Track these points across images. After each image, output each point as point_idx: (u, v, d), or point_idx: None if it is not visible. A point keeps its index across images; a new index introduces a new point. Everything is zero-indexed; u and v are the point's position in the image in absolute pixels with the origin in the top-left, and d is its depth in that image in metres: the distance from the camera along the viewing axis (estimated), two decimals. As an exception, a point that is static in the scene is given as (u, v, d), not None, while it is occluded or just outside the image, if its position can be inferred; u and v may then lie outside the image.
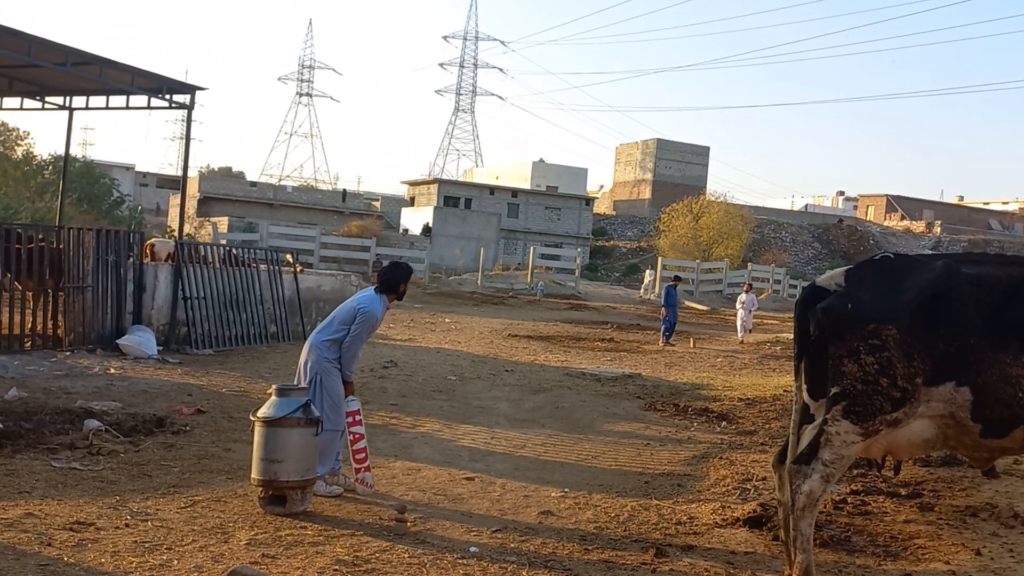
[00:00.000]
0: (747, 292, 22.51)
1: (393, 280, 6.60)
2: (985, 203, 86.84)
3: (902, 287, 4.50)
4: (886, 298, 4.48)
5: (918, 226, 73.13)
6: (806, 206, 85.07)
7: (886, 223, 76.59)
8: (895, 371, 4.38)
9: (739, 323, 22.05)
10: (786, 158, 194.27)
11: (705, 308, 34.93)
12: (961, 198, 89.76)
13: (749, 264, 46.13)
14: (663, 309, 20.39)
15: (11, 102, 15.99)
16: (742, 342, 21.19)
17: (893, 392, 4.38)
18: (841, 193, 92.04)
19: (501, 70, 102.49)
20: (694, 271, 40.52)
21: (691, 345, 19.85)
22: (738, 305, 22.48)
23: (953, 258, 4.67)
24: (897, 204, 79.49)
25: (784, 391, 12.65)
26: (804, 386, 4.80)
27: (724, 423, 10.22)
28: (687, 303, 36.15)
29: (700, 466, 7.95)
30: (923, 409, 4.46)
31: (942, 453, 7.15)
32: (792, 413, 4.99)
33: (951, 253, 5.31)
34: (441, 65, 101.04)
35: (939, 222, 73.38)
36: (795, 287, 42.81)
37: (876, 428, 4.44)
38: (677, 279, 23.37)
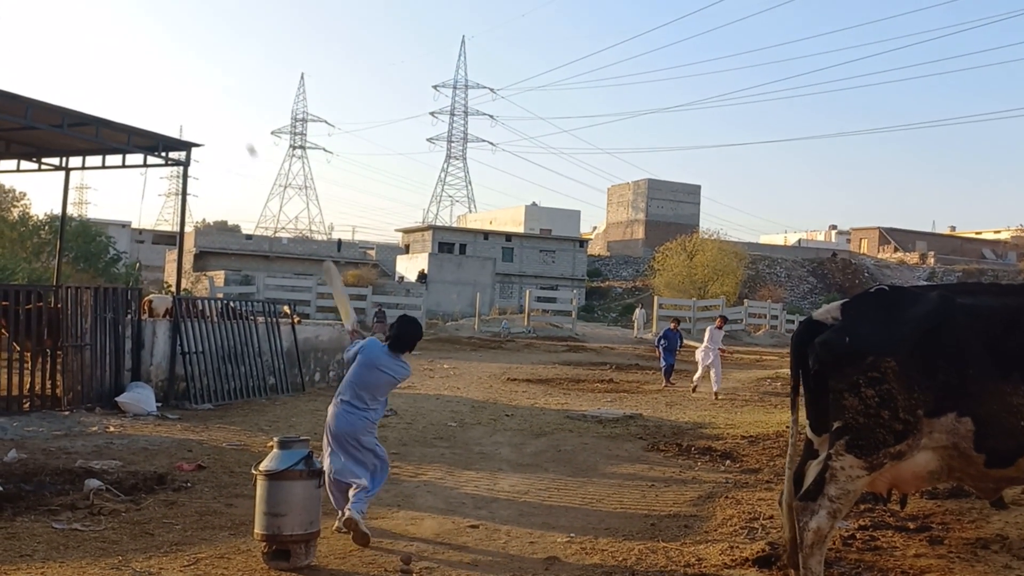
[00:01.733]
0: (718, 327, 18.56)
1: (414, 339, 6.61)
2: (977, 233, 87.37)
3: (899, 319, 4.54)
4: (884, 330, 4.51)
5: (912, 257, 73.47)
6: (799, 241, 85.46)
7: (880, 255, 76.95)
8: (896, 403, 4.39)
9: (700, 365, 18.19)
10: (777, 194, 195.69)
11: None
12: (953, 228, 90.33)
13: (745, 301, 46.22)
14: (657, 350, 19.69)
15: (7, 164, 16.12)
16: (715, 396, 17.24)
17: (895, 424, 4.39)
18: (833, 227, 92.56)
19: (491, 117, 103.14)
20: (690, 309, 40.56)
21: (691, 384, 19.76)
22: (705, 342, 18.31)
23: (948, 289, 4.72)
24: (890, 236, 79.94)
25: (787, 427, 12.58)
26: (807, 421, 4.80)
27: (728, 462, 10.16)
28: (685, 342, 36.11)
29: (706, 506, 7.89)
30: (926, 441, 4.46)
31: (949, 485, 7.11)
32: (789, 448, 4.99)
33: (946, 284, 5.36)
34: (432, 114, 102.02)
35: (932, 253, 73.76)
36: (792, 322, 42.87)
37: (880, 461, 4.43)
38: (676, 321, 21.80)
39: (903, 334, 4.48)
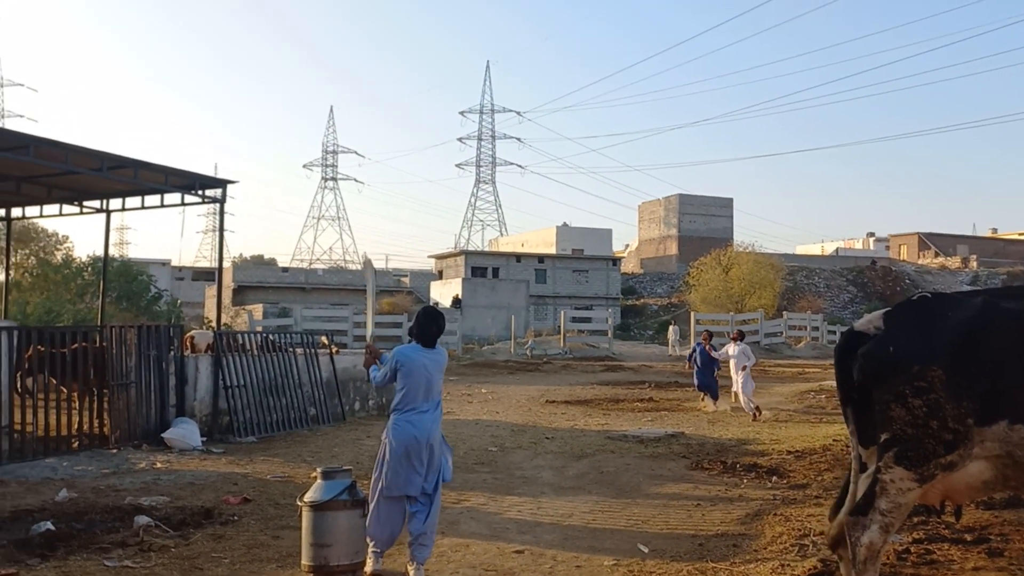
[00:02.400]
0: (736, 341, 17.63)
1: (439, 330, 6.29)
2: (1020, 234, 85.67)
3: (943, 327, 4.46)
4: (928, 339, 4.43)
5: (953, 262, 72.19)
6: (837, 250, 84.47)
7: (920, 261, 75.75)
8: (944, 413, 4.31)
9: (737, 385, 16.85)
10: (811, 203, 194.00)
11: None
12: (995, 230, 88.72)
13: (784, 313, 45.68)
14: (689, 365, 18.44)
15: (50, 209, 16.53)
16: (755, 415, 16.03)
17: (945, 434, 4.31)
18: (871, 234, 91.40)
19: (519, 140, 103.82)
20: (728, 324, 40.15)
21: (733, 399, 19.55)
22: (731, 363, 17.12)
23: (992, 293, 4.63)
24: (929, 241, 78.71)
25: (834, 440, 12.41)
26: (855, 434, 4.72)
27: (775, 478, 10.01)
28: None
29: (754, 524, 7.77)
30: (978, 450, 4.37)
31: (1006, 494, 6.94)
32: (852, 462, 4.89)
33: (989, 288, 5.26)
34: (460, 140, 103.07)
35: (975, 256, 72.43)
36: (833, 333, 42.25)
37: (931, 473, 4.34)
38: (708, 335, 19.34)
39: (948, 342, 4.39)
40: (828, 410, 17.05)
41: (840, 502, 4.83)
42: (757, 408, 16.42)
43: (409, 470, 5.92)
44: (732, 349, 17.33)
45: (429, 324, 6.21)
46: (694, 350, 18.86)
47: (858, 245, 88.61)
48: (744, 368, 16.71)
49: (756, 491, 9.30)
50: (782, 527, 7.50)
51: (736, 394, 17.02)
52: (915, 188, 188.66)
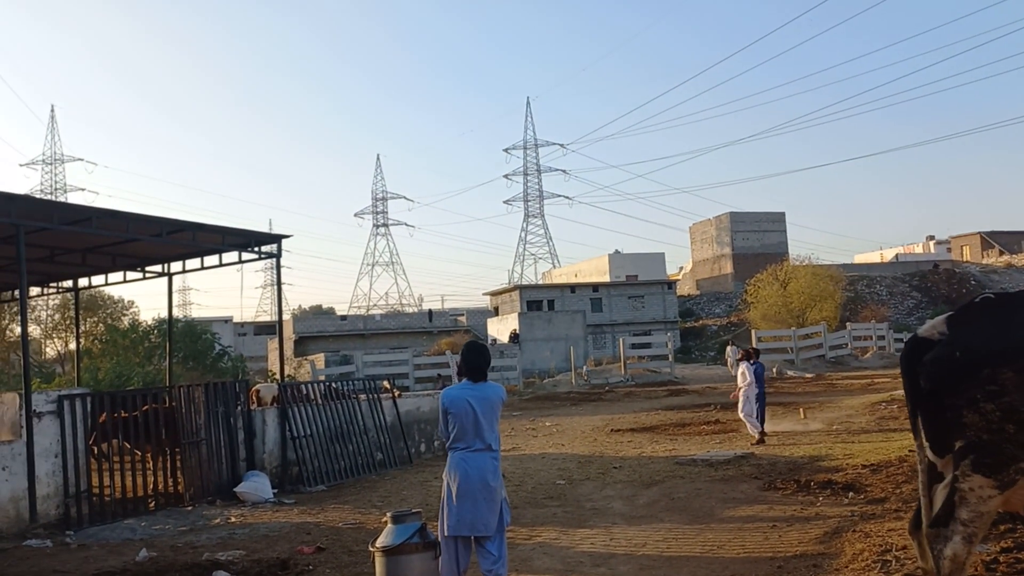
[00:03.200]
0: (749, 360, 16.60)
1: (485, 362, 6.22)
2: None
3: (1010, 326, 4.33)
4: (996, 340, 4.31)
5: (1020, 259, 69.94)
6: (896, 256, 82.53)
7: (984, 261, 73.59)
8: (1020, 415, 4.18)
9: (742, 407, 16.06)
10: (866, 211, 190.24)
11: (810, 375, 33.84)
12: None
13: (848, 324, 44.71)
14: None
15: (115, 276, 17.10)
16: (760, 437, 15.46)
17: (1022, 437, 4.17)
18: (931, 237, 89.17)
19: (564, 172, 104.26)
20: (791, 339, 39.49)
21: (802, 415, 19.18)
22: (739, 380, 16.43)
23: (1057, 290, 4.49)
24: (992, 240, 76.52)
25: (909, 451, 12.06)
26: (926, 443, 4.60)
27: (851, 493, 9.77)
28: (789, 373, 35.10)
29: (834, 542, 7.59)
30: (1058, 452, 4.22)
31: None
32: (919, 474, 4.77)
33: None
34: (506, 176, 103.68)
35: (1042, 251, 70.13)
36: (900, 341, 41.15)
37: (1011, 478, 4.21)
38: (749, 352, 17.24)
39: (1017, 341, 4.27)
40: (901, 420, 16.58)
41: (919, 515, 4.69)
42: (762, 432, 15.57)
43: (469, 508, 5.89)
44: (745, 367, 16.43)
45: (474, 357, 6.17)
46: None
47: (918, 249, 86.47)
48: (748, 387, 15.96)
49: (833, 508, 9.08)
50: (862, 544, 7.30)
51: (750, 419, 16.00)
52: (972, 187, 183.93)
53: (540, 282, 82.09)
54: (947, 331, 4.53)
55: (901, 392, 19.54)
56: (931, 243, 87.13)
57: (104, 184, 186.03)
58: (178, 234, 13.38)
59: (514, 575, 7.32)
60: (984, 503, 4.24)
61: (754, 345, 38.07)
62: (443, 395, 6.20)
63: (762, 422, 16.02)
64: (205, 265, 15.66)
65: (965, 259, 75.98)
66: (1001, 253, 73.99)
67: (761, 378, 16.31)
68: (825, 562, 6.94)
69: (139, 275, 16.56)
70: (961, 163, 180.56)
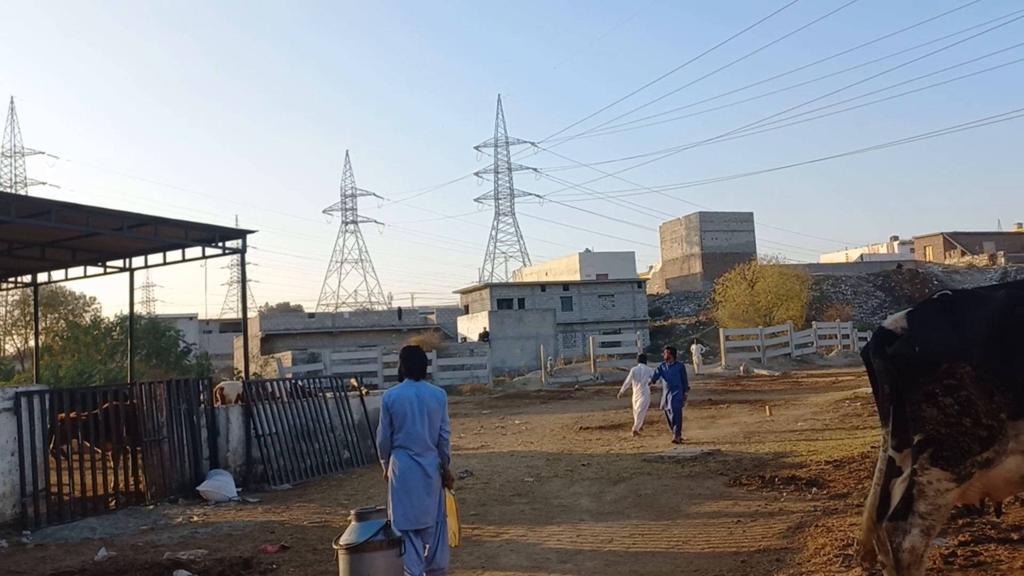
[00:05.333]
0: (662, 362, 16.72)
1: (420, 361, 6.68)
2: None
3: (968, 322, 4.39)
4: (954, 335, 4.36)
5: (981, 260, 71.21)
6: (861, 256, 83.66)
7: (947, 261, 74.82)
8: (977, 409, 4.23)
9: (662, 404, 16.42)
10: (832, 212, 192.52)
11: (776, 374, 34.18)
12: (1020, 225, 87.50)
13: (813, 323, 45.21)
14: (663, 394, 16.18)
15: (75, 271, 16.81)
16: (635, 433, 16.81)
17: (979, 431, 4.22)
18: (895, 238, 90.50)
19: (535, 170, 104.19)
20: (758, 338, 39.82)
21: (768, 413, 19.35)
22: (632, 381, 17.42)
23: (1013, 286, 4.55)
24: (955, 241, 77.80)
25: (872, 448, 12.22)
26: (888, 438, 4.63)
27: (815, 489, 9.86)
28: (756, 371, 35.41)
29: (796, 537, 7.65)
30: (1014, 445, 4.27)
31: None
32: (879, 462, 4.81)
33: (1010, 282, 5.16)
34: (477, 174, 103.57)
35: (1002, 253, 71.43)
36: (864, 339, 41.67)
37: (968, 471, 4.26)
38: (671, 351, 17.02)
39: (974, 337, 4.32)
40: (864, 417, 16.80)
41: (878, 509, 4.73)
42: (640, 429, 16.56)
43: (413, 503, 6.23)
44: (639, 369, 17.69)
45: (412, 359, 6.61)
46: (658, 373, 16.84)
47: (883, 250, 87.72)
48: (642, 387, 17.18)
49: (796, 504, 9.16)
50: (824, 538, 7.37)
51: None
52: (936, 189, 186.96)
53: (510, 280, 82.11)
54: (907, 326, 4.57)
55: (864, 390, 19.80)
56: (895, 244, 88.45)
57: (66, 178, 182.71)
58: (140, 228, 13.18)
59: (480, 572, 7.30)
60: (942, 496, 4.29)
61: (722, 344, 38.50)
62: (385, 395, 6.53)
63: (678, 424, 15.86)
64: (168, 260, 15.45)
65: (928, 259, 77.18)
66: (963, 254, 75.26)
67: (675, 379, 16.06)
68: (788, 556, 6.99)
69: (100, 270, 16.30)
70: (924, 166, 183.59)
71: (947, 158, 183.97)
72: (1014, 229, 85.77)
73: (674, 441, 15.47)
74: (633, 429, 17.27)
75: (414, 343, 47.71)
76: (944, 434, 4.26)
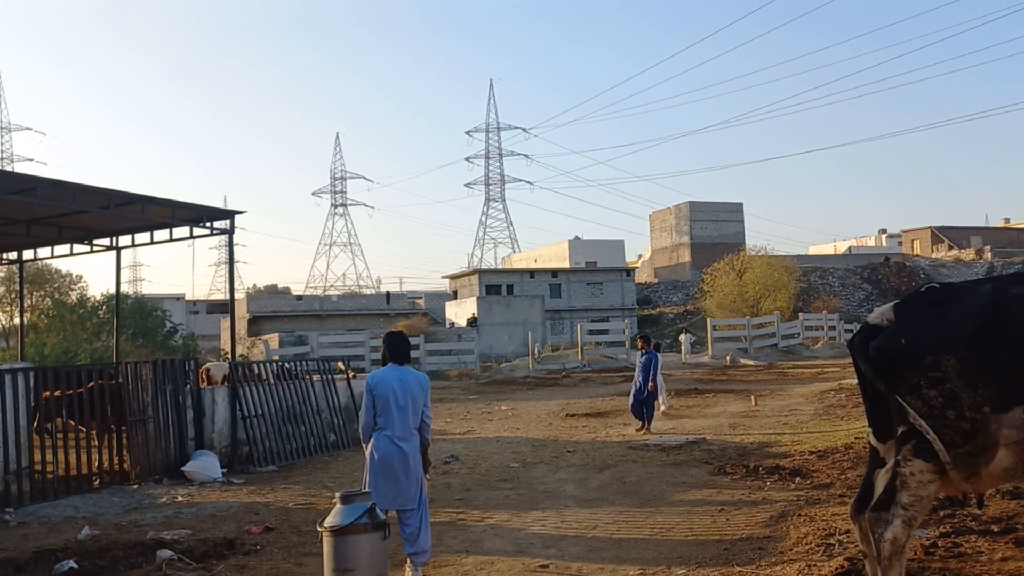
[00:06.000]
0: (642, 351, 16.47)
1: (404, 346, 6.71)
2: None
3: (953, 315, 4.41)
4: (939, 328, 4.38)
5: (968, 254, 71.68)
6: (849, 248, 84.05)
7: (934, 255, 75.26)
8: (960, 402, 4.25)
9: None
10: (822, 203, 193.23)
11: (762, 364, 34.34)
12: (1007, 220, 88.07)
13: (800, 314, 45.41)
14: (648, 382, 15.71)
15: (61, 249, 16.67)
16: (663, 412, 17.50)
17: (962, 424, 4.25)
18: (883, 231, 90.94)
19: (526, 156, 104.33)
20: (745, 328, 39.99)
21: (753, 403, 19.46)
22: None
23: (1000, 280, 4.57)
24: (942, 235, 78.22)
25: (855, 438, 12.30)
26: (870, 428, 4.66)
27: (798, 479, 9.93)
28: (742, 361, 35.56)
29: (779, 526, 7.70)
30: (996, 438, 4.30)
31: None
32: (870, 456, 4.84)
33: (996, 276, 5.18)
34: (467, 159, 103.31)
35: (989, 247, 71.88)
36: (850, 331, 41.91)
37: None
38: (646, 341, 16.55)
39: (960, 330, 4.34)
40: (848, 408, 16.90)
41: (861, 500, 4.76)
42: (645, 425, 15.61)
43: (392, 485, 6.32)
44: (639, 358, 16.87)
45: (395, 344, 6.67)
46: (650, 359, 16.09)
47: (871, 242, 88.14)
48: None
49: (780, 493, 9.22)
50: (807, 528, 7.42)
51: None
52: (925, 182, 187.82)
53: (500, 267, 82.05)
54: (893, 319, 4.59)
55: (849, 381, 19.90)
56: (883, 236, 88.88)
57: (54, 155, 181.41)
58: (127, 207, 13.06)
59: (464, 556, 7.32)
60: (924, 487, 4.32)
61: (709, 333, 38.62)
62: (369, 378, 6.60)
63: (650, 414, 15.60)
64: (155, 240, 15.33)
65: (915, 253, 77.58)
66: (950, 248, 75.73)
67: (646, 368, 15.73)
68: (770, 545, 7.04)
69: (86, 248, 16.16)
70: (914, 158, 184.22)
71: (936, 152, 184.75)
72: (1001, 224, 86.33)
73: (638, 429, 15.37)
74: (661, 410, 17.70)
75: (402, 327, 47.74)
76: (928, 426, 4.29)
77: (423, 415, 6.51)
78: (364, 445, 6.58)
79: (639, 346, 16.49)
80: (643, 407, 15.73)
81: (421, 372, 6.83)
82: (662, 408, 17.88)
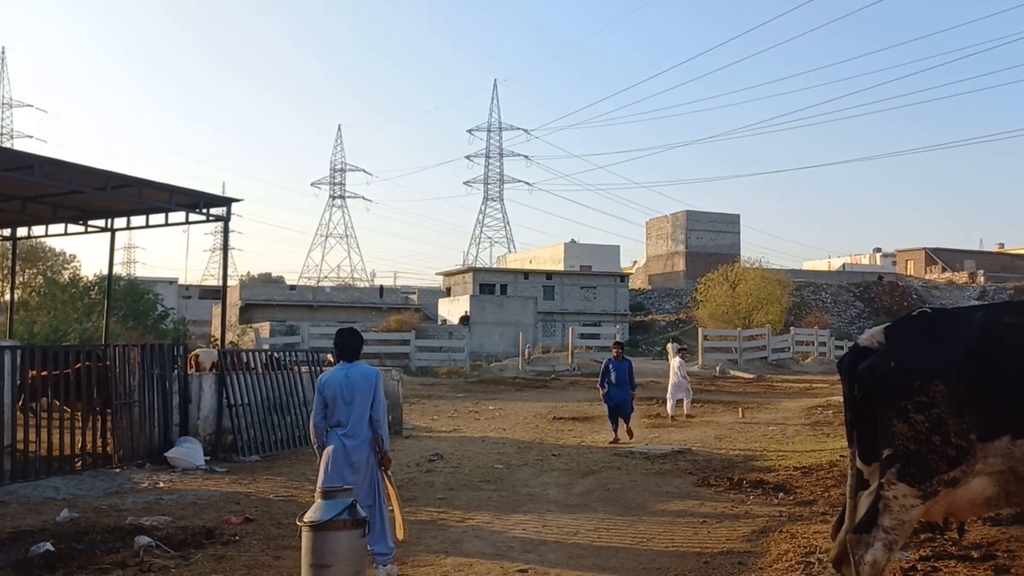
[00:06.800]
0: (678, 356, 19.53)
1: (355, 343, 6.84)
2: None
3: (945, 341, 4.41)
4: (930, 354, 4.38)
5: (961, 277, 71.89)
6: (843, 265, 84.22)
7: (927, 276, 75.45)
8: (947, 428, 4.25)
9: (671, 395, 18.90)
10: (818, 219, 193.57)
11: (752, 376, 34.38)
12: (1002, 245, 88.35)
13: (791, 328, 45.50)
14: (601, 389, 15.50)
15: (55, 228, 16.60)
16: (677, 417, 18.52)
17: (948, 450, 4.25)
18: (878, 250, 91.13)
19: (526, 157, 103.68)
20: (736, 339, 40.04)
21: (740, 414, 19.47)
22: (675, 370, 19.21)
23: (992, 309, 4.58)
24: (936, 256, 78.44)
25: (841, 456, 12.30)
26: (856, 450, 4.66)
27: (781, 494, 9.92)
28: (732, 372, 35.59)
29: (760, 541, 7.69)
30: (981, 466, 4.30)
31: (1013, 511, 6.84)
32: (848, 479, 4.84)
33: (989, 304, 5.19)
34: (468, 158, 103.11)
35: (982, 271, 72.12)
36: (841, 348, 42.00)
37: (934, 489, 4.28)
38: (622, 347, 16.22)
39: (950, 356, 4.34)
40: (835, 425, 16.92)
41: (842, 520, 4.76)
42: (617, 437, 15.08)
43: (333, 481, 6.37)
44: (676, 362, 19.51)
45: (344, 340, 6.79)
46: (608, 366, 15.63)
47: (865, 260, 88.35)
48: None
49: (762, 508, 9.22)
50: (788, 544, 7.42)
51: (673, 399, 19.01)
52: (922, 203, 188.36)
53: (494, 266, 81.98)
54: (884, 341, 4.59)
55: (837, 398, 19.96)
56: (877, 255, 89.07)
57: (54, 134, 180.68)
58: (123, 189, 13.00)
59: (443, 556, 7.29)
60: (906, 512, 4.31)
61: (700, 343, 38.61)
62: (319, 379, 6.73)
63: (614, 423, 15.14)
64: (150, 223, 15.28)
65: (909, 273, 77.80)
66: (943, 270, 75.93)
67: (622, 375, 15.18)
68: (750, 560, 7.03)
69: (81, 228, 16.09)
70: (912, 179, 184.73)
71: (935, 175, 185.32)
72: (995, 249, 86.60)
73: (611, 442, 14.68)
74: (685, 412, 19.11)
75: (394, 322, 47.62)
76: (913, 450, 4.29)
77: (372, 410, 6.57)
78: (314, 444, 6.70)
79: (614, 353, 15.75)
80: (619, 415, 15.16)
81: (372, 367, 6.90)
82: (686, 412, 19.22)
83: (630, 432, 15.21)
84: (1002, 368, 4.30)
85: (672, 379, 19.24)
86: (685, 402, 19.27)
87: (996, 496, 4.42)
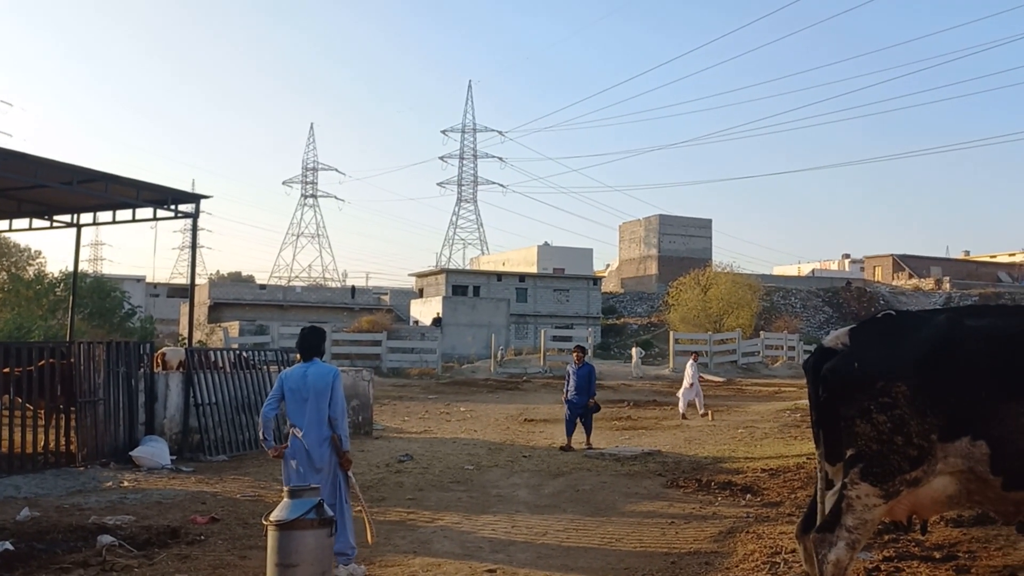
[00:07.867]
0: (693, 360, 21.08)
1: (317, 340, 6.86)
2: (992, 256, 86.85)
3: (907, 343, 4.47)
4: (893, 355, 4.44)
5: (927, 283, 72.96)
6: (813, 271, 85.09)
7: (894, 282, 76.49)
8: (909, 428, 4.31)
9: (683, 396, 20.37)
10: (788, 224, 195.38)
11: (721, 379, 34.63)
12: (967, 252, 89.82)
13: (761, 332, 45.90)
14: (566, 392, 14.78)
15: (20, 223, 16.33)
16: (702, 415, 20.03)
17: (910, 450, 4.31)
18: (847, 256, 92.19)
19: (501, 159, 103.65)
20: (707, 343, 40.32)
21: (710, 418, 19.60)
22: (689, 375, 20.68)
23: (956, 312, 4.65)
24: (904, 263, 79.54)
25: (807, 459, 12.43)
26: (822, 450, 4.70)
27: (749, 496, 10.00)
28: (702, 375, 35.82)
29: (727, 542, 7.75)
30: (942, 466, 4.36)
31: (974, 511, 6.95)
32: (817, 480, 4.88)
33: (954, 307, 5.27)
34: (441, 158, 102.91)
35: (948, 278, 73.24)
36: (809, 352, 42.40)
37: (896, 488, 4.33)
38: (580, 350, 15.28)
39: (912, 358, 4.40)
40: (803, 428, 17.08)
41: (807, 520, 4.80)
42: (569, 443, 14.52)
43: (292, 479, 6.43)
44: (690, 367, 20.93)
45: (304, 337, 6.82)
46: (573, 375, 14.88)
47: (834, 266, 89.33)
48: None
49: (730, 509, 9.28)
50: (754, 545, 7.47)
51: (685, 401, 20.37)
52: (890, 211, 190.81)
53: (468, 267, 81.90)
54: (848, 343, 4.64)
55: (805, 401, 20.14)
56: (846, 261, 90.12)
57: (21, 127, 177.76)
58: (90, 184, 12.82)
59: (412, 556, 7.26)
60: (869, 511, 4.36)
61: (672, 346, 38.85)
62: (280, 375, 6.81)
63: (570, 431, 14.43)
64: (117, 219, 15.08)
65: (877, 279, 78.79)
66: (911, 276, 77.02)
67: (582, 382, 14.53)
68: (717, 560, 7.08)
69: (46, 223, 15.84)
70: (880, 186, 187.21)
71: (903, 182, 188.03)
72: (961, 256, 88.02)
73: (562, 448, 14.11)
74: (699, 413, 20.16)
75: (366, 323, 47.35)
76: (875, 450, 4.34)
77: (330, 409, 6.57)
78: (261, 435, 6.71)
79: (576, 358, 14.97)
80: (577, 420, 14.45)
81: (331, 365, 6.93)
82: (700, 412, 20.23)
83: (589, 443, 14.31)
84: (963, 370, 4.37)
85: (686, 382, 20.65)
86: (697, 402, 20.48)
87: (958, 495, 4.48)
